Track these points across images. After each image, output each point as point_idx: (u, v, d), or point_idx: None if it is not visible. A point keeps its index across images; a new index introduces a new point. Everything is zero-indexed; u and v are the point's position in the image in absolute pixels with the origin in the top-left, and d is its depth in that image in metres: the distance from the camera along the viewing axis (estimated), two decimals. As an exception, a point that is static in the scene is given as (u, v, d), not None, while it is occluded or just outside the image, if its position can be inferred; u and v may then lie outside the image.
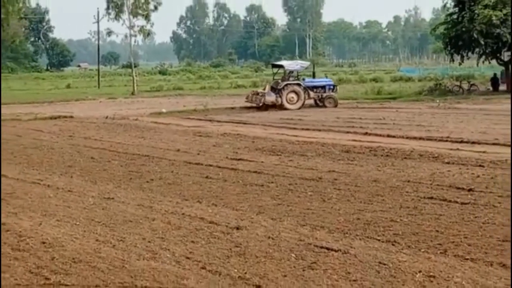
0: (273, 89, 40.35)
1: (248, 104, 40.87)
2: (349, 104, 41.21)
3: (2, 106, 45.10)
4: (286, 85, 40.46)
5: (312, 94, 40.41)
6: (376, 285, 8.06)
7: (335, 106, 39.31)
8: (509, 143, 20.92)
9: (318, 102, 40.56)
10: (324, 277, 8.40)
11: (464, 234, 10.21)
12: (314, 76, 43.77)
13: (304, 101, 39.62)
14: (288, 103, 39.31)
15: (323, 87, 41.19)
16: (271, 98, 40.16)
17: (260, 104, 40.00)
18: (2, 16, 53.74)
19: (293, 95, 39.75)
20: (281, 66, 44.38)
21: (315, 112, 36.93)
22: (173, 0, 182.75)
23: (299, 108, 38.76)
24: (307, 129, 27.48)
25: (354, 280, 8.23)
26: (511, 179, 12.08)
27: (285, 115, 34.73)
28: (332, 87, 41.36)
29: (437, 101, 42.93)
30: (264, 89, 41.77)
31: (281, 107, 39.02)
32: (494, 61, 51.77)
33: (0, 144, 20.84)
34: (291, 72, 42.03)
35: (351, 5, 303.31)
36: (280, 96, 39.78)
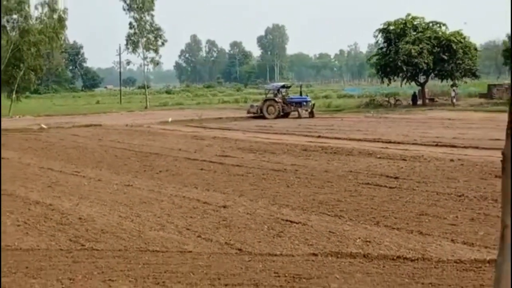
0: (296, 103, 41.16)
1: (251, 114, 41.04)
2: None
3: (49, 117, 44.96)
4: (265, 100, 41.26)
5: (292, 108, 40.30)
6: (327, 246, 8.11)
7: (299, 117, 38.93)
8: (425, 143, 21.10)
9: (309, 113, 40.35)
10: (289, 242, 8.43)
11: (391, 210, 10.29)
12: (301, 94, 43.52)
13: (279, 113, 39.43)
14: (268, 114, 39.48)
15: (300, 102, 40.97)
16: (253, 109, 41.16)
17: (248, 114, 40.86)
18: (47, 50, 53.24)
19: (271, 108, 39.93)
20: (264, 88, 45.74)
21: (282, 121, 36.88)
22: (175, 38, 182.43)
23: (275, 118, 38.64)
24: (276, 133, 27.48)
25: (311, 245, 8.27)
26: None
27: (260, 123, 34.69)
28: (305, 102, 40.99)
29: (371, 112, 43.09)
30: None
31: (263, 116, 39.17)
32: (413, 83, 52.11)
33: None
34: (278, 91, 42.30)
35: (308, 41, 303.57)
36: (261, 109, 40.22)
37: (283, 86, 44.55)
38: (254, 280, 6.86)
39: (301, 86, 46.97)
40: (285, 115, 39.86)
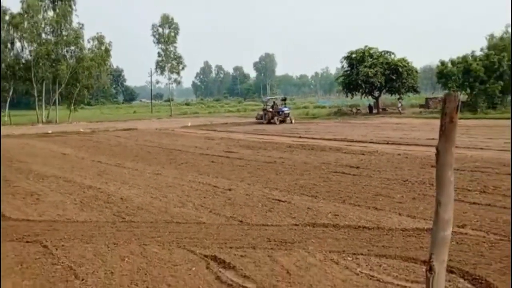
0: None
1: (258, 120, 40.96)
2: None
3: (98, 123, 44.87)
4: (263, 110, 41.89)
5: (277, 116, 39.47)
6: (306, 219, 8.12)
7: (280, 123, 38.13)
8: (379, 142, 21.11)
9: (287, 120, 39.49)
10: (277, 216, 8.44)
11: (354, 191, 10.31)
12: (285, 106, 42.94)
13: (269, 119, 38.95)
14: (264, 120, 39.53)
15: (280, 112, 40.13)
16: (258, 116, 41.78)
17: (256, 120, 41.23)
18: (96, 73, 53.10)
19: (266, 116, 39.91)
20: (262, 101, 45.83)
21: (273, 125, 36.88)
22: (193, 63, 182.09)
23: (267, 123, 38.26)
24: (268, 135, 27.48)
25: (294, 217, 8.27)
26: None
27: (256, 127, 34.74)
28: (281, 112, 39.98)
29: (339, 119, 43.14)
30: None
31: (261, 123, 39.02)
32: (370, 97, 52.10)
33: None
34: (274, 103, 41.74)
35: (291, 65, 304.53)
36: (261, 116, 40.67)
37: (273, 100, 44.27)
38: (251, 244, 6.88)
39: (285, 99, 46.32)
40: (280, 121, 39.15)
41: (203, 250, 6.66)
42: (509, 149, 16.82)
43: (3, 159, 18.38)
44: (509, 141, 19.58)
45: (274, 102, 42.24)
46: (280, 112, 40.05)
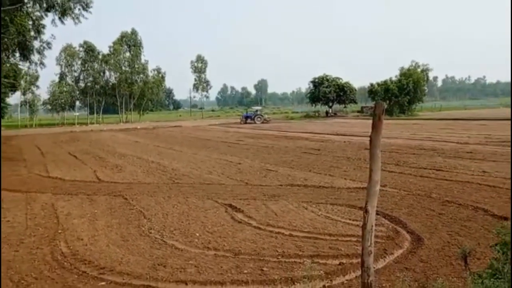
0: (248, 117, 38.12)
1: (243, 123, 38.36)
2: (277, 122, 40.99)
3: (158, 122, 44.58)
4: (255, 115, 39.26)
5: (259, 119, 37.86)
6: (287, 181, 8.10)
7: (261, 123, 36.14)
8: (332, 134, 20.98)
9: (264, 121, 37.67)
10: (269, 180, 8.39)
11: (316, 165, 10.26)
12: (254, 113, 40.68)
13: (259, 122, 36.94)
14: (256, 122, 37.64)
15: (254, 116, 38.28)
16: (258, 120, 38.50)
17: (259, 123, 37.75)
18: (156, 91, 52.53)
19: (256, 119, 37.64)
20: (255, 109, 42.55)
21: (265, 125, 36.67)
22: (216, 85, 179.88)
23: (243, 123, 36.40)
24: (262, 130, 27.33)
25: (279, 181, 8.24)
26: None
27: (254, 126, 34.57)
28: (256, 116, 38.02)
29: (307, 120, 42.86)
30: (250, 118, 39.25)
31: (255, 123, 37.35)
32: (326, 106, 51.74)
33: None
34: (256, 111, 40.07)
35: (278, 85, 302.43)
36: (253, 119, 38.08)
37: (256, 110, 41.58)
38: (253, 197, 6.87)
39: (257, 110, 42.56)
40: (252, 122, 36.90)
41: (223, 200, 6.66)
42: (413, 138, 16.79)
43: (99, 145, 18.35)
44: (413, 133, 19.54)
45: (257, 110, 39.99)
46: (262, 117, 38.48)
